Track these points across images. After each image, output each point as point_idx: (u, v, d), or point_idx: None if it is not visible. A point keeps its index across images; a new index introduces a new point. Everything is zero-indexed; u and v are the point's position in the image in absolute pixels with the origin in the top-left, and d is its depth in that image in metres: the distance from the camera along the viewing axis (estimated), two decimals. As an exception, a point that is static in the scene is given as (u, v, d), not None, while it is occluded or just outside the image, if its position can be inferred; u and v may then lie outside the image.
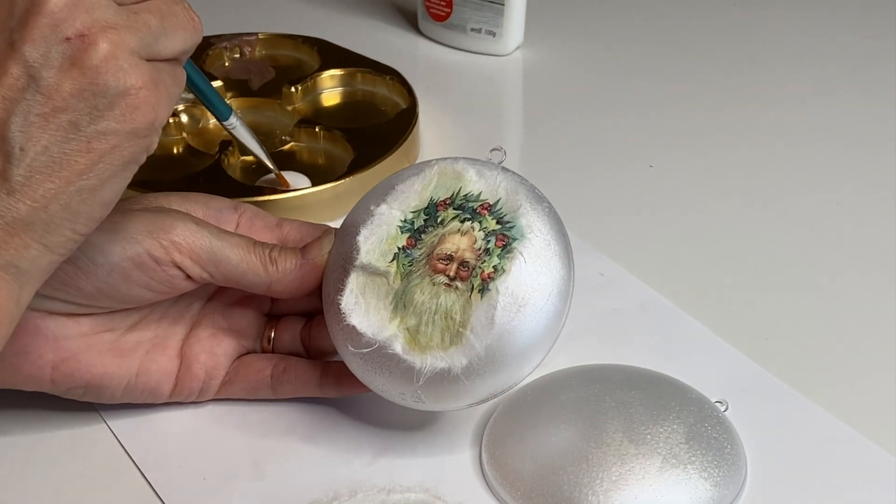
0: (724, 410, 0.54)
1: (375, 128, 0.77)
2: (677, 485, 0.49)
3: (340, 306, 0.51)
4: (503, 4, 0.88)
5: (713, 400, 0.54)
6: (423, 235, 0.51)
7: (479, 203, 0.52)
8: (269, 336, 0.56)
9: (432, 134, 0.80)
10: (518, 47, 0.91)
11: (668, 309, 0.63)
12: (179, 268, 0.50)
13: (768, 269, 0.67)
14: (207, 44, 0.84)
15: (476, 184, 0.52)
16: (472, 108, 0.86)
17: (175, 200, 0.54)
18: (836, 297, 0.65)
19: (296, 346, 0.57)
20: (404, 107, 0.79)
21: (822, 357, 0.60)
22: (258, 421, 0.56)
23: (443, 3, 0.90)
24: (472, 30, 0.90)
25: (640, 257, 0.67)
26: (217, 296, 0.56)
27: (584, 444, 0.51)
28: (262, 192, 0.69)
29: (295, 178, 0.71)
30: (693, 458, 0.50)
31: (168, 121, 0.77)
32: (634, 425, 0.51)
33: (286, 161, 0.75)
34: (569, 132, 0.82)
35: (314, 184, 0.70)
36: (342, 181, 0.70)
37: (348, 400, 0.57)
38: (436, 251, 0.51)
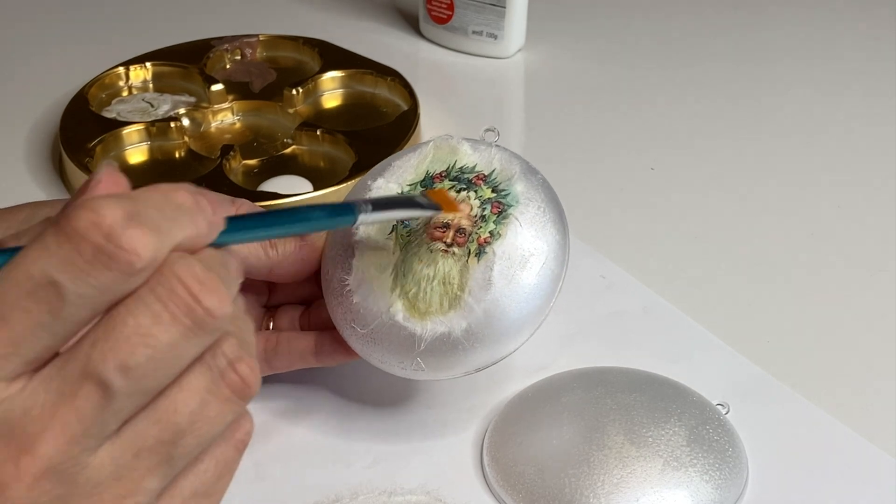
0: (726, 413, 0.54)
1: (376, 130, 0.77)
2: (679, 487, 0.49)
3: (343, 284, 0.51)
4: (504, 7, 0.88)
5: (715, 402, 0.54)
6: None
7: (475, 174, 0.53)
8: (268, 326, 0.56)
9: (433, 136, 0.80)
10: (519, 50, 0.92)
11: (670, 311, 0.63)
12: None
13: (769, 271, 0.67)
14: (208, 46, 0.85)
15: (471, 157, 0.54)
16: (474, 111, 0.86)
17: None
18: (838, 300, 0.65)
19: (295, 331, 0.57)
20: (405, 109, 0.79)
21: (823, 360, 0.60)
22: (260, 423, 0.55)
23: (444, 6, 0.90)
24: (474, 32, 0.90)
25: (641, 260, 0.67)
26: None
27: (585, 446, 0.51)
28: (264, 197, 0.69)
29: (296, 183, 0.71)
30: (694, 461, 0.50)
31: (169, 125, 0.77)
32: (636, 428, 0.51)
33: (287, 165, 0.75)
34: (570, 134, 0.82)
35: (316, 188, 0.70)
36: (344, 185, 0.70)
37: (350, 402, 0.57)
38: (433, 220, 0.52)
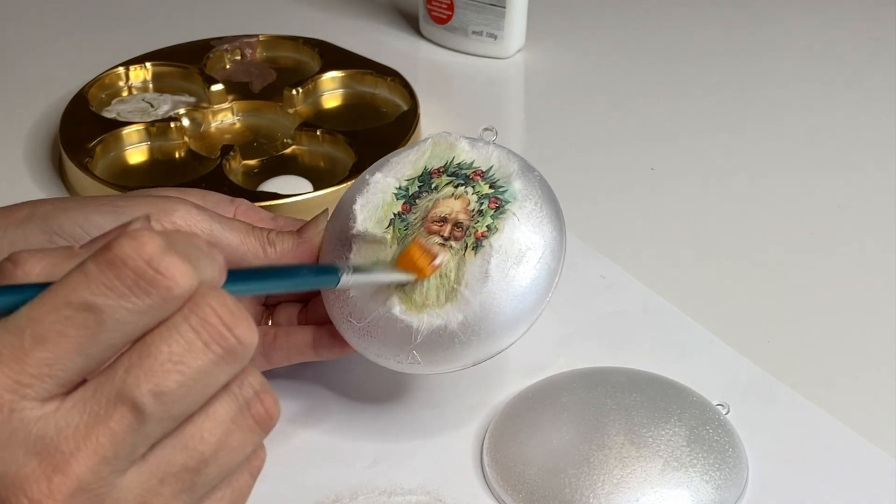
0: (726, 413, 0.54)
1: (376, 130, 0.77)
2: (679, 487, 0.49)
3: None
4: (504, 7, 0.88)
5: (715, 403, 0.54)
6: (417, 201, 0.53)
7: (473, 170, 0.53)
8: (267, 322, 0.57)
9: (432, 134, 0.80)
10: (519, 50, 0.92)
11: (670, 311, 0.63)
12: None
13: (770, 271, 0.67)
14: (208, 46, 0.85)
15: (469, 153, 0.54)
16: (474, 111, 0.86)
17: (173, 192, 0.54)
18: (838, 300, 0.65)
19: None
20: (405, 109, 0.79)
21: (823, 360, 0.60)
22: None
23: (444, 6, 0.90)
24: (474, 32, 0.90)
25: (641, 260, 0.67)
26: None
27: (585, 446, 0.51)
28: (264, 197, 0.69)
29: (296, 183, 0.71)
30: (695, 461, 0.50)
31: (169, 125, 0.77)
32: (636, 428, 0.51)
33: (287, 165, 0.75)
34: (570, 135, 0.82)
35: (316, 188, 0.70)
36: (343, 185, 0.70)
37: (350, 402, 0.57)
38: (430, 214, 0.52)
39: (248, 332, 0.33)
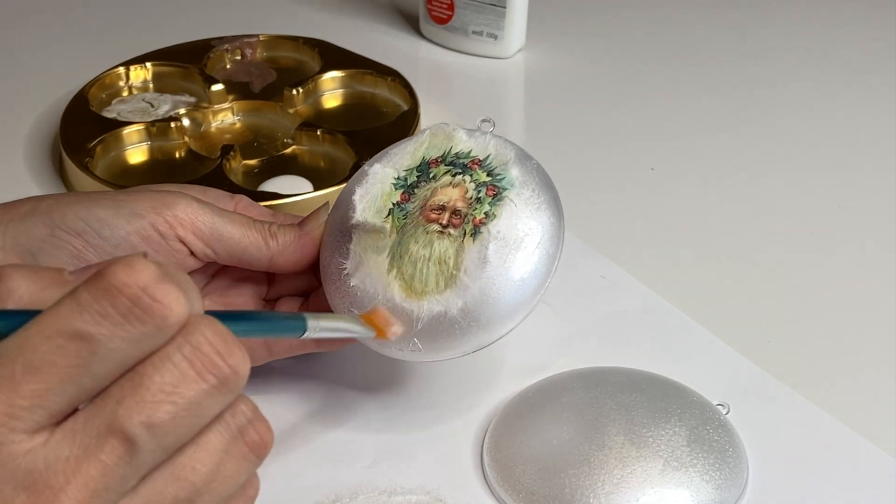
0: (726, 413, 0.54)
1: (376, 130, 0.77)
2: (679, 487, 0.49)
3: (340, 268, 0.52)
4: (505, 7, 0.88)
5: (715, 403, 0.54)
6: (416, 190, 0.53)
7: (470, 159, 0.54)
8: None
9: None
10: (519, 50, 0.92)
11: (670, 312, 0.63)
12: (183, 242, 0.51)
13: (770, 271, 0.67)
14: (208, 46, 0.85)
15: (466, 143, 0.54)
16: (474, 111, 0.86)
17: (174, 187, 0.55)
18: (838, 300, 0.65)
19: None
20: (405, 109, 0.79)
21: (823, 360, 0.60)
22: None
23: (444, 6, 0.90)
24: (474, 32, 0.90)
25: (641, 260, 0.68)
26: (216, 278, 0.56)
27: (585, 446, 0.51)
28: (264, 197, 0.69)
29: (296, 183, 0.71)
30: (695, 461, 0.50)
31: (169, 125, 0.77)
32: (636, 428, 0.51)
33: (287, 165, 0.75)
34: (570, 135, 0.82)
35: (316, 188, 0.71)
36: (344, 185, 0.70)
37: (350, 402, 0.57)
38: (428, 203, 0.52)
39: (241, 361, 0.33)
